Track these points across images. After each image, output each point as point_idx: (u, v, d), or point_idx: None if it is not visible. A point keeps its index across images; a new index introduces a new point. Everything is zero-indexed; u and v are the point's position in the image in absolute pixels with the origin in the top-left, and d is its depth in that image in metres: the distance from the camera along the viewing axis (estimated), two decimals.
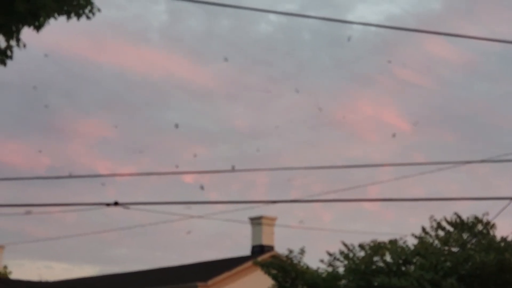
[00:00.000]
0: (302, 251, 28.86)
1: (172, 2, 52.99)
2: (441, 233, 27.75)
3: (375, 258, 26.81)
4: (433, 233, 27.79)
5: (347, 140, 58.60)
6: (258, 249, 38.65)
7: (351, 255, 27.25)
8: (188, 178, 53.47)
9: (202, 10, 54.79)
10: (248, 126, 58.19)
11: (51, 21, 14.35)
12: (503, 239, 26.93)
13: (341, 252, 27.45)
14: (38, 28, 14.33)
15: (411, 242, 27.43)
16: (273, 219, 38.91)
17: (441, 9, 60.17)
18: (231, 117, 59.04)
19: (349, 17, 60.82)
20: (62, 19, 14.38)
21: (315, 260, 28.56)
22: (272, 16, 62.30)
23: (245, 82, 58.53)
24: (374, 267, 26.58)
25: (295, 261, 28.72)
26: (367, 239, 27.61)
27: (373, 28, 70.88)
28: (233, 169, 15.73)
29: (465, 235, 27.57)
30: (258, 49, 56.78)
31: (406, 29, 14.01)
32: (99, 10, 14.50)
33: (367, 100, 57.76)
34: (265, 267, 29.06)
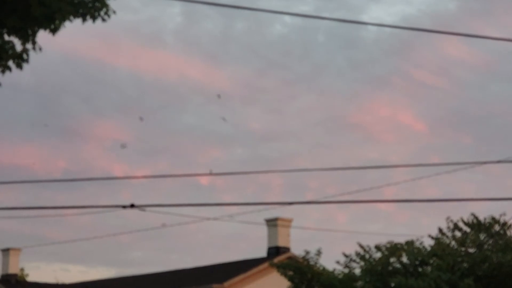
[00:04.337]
0: (318, 253, 28.79)
1: (187, 5, 53.04)
2: (457, 234, 27.64)
3: (392, 259, 26.72)
4: (449, 234, 27.68)
5: (363, 142, 58.52)
6: (274, 251, 38.59)
7: (367, 256, 27.18)
8: (204, 180, 53.53)
9: (217, 12, 54.82)
10: (263, 129, 58.15)
11: (67, 24, 14.37)
12: None
13: (357, 253, 27.37)
14: (54, 31, 14.35)
15: (428, 243, 27.37)
16: (289, 220, 38.85)
17: (456, 10, 60.02)
18: (247, 120, 59.03)
19: (364, 18, 60.71)
20: (78, 22, 14.40)
21: (331, 261, 28.51)
22: (286, 18, 62.27)
23: (261, 84, 58.51)
24: (390, 268, 26.50)
25: (312, 263, 28.65)
26: (383, 240, 27.56)
27: (388, 29, 70.62)
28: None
29: (482, 236, 27.45)
30: (273, 51, 56.73)
31: (421, 29, 13.97)
32: (114, 12, 14.49)
33: (383, 102, 57.64)
34: (281, 268, 29.01)
